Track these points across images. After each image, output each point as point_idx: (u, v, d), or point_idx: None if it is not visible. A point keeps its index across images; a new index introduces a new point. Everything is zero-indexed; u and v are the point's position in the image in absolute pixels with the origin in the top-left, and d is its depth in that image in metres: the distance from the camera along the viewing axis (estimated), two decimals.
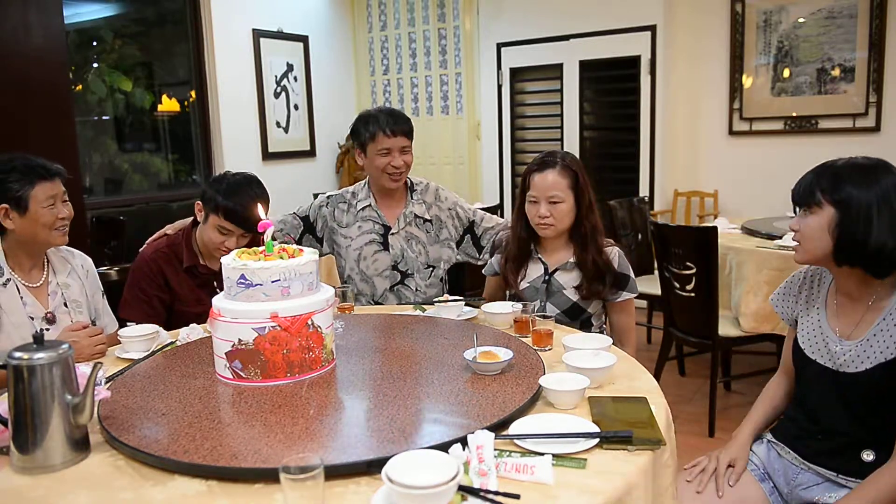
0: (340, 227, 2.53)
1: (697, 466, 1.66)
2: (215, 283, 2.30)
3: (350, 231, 2.51)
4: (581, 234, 2.10)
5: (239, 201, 2.16)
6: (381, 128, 2.38)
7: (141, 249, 2.33)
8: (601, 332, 2.19)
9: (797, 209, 1.55)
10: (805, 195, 1.51)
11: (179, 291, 2.27)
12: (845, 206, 1.44)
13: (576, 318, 2.14)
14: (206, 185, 2.25)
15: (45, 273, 2.01)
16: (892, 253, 1.43)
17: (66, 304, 2.02)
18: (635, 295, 2.14)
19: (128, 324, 2.16)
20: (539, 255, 2.17)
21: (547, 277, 2.15)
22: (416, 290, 2.51)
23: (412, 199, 2.52)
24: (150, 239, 2.36)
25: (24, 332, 1.88)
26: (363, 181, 2.58)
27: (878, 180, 1.44)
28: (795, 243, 1.55)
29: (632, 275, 2.14)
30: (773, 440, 1.68)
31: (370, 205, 2.50)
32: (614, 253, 2.13)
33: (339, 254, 2.56)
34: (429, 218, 2.52)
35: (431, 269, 2.52)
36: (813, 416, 1.59)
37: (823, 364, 1.56)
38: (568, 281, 2.13)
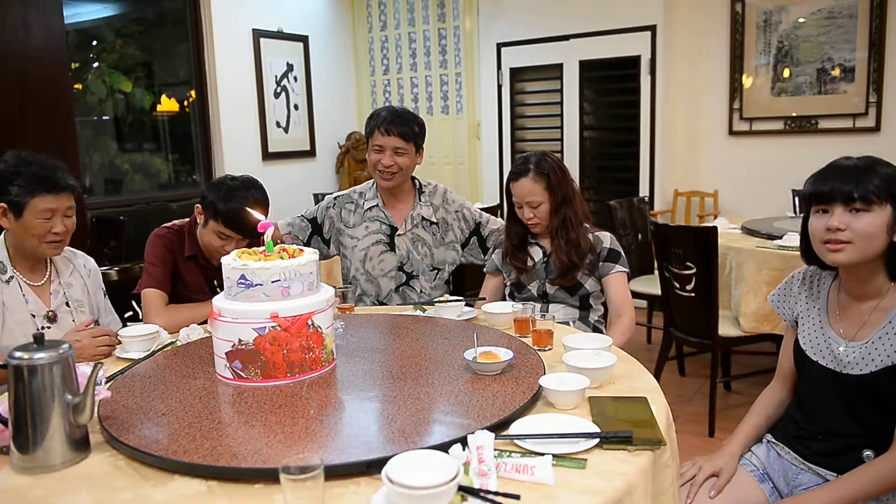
0: (347, 228, 2.53)
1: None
2: (216, 283, 2.31)
3: (357, 231, 2.52)
4: (552, 227, 2.24)
5: (237, 207, 2.13)
6: (378, 124, 2.39)
7: (152, 233, 2.33)
8: (601, 310, 2.34)
9: (805, 208, 1.52)
10: (857, 192, 1.41)
11: (185, 274, 2.28)
12: None
13: (574, 293, 2.26)
14: (206, 189, 2.23)
15: (47, 272, 2.02)
16: None
17: (67, 304, 2.03)
18: (626, 270, 2.26)
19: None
20: (536, 241, 2.32)
21: (546, 259, 2.28)
22: (421, 291, 2.51)
23: (420, 200, 2.52)
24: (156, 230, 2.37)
25: (27, 329, 1.89)
26: (371, 181, 2.58)
27: None
28: (843, 244, 1.44)
29: (623, 253, 2.26)
30: (773, 440, 1.68)
31: (377, 205, 2.51)
32: (606, 235, 2.28)
33: (345, 255, 2.55)
34: (435, 221, 2.52)
35: (437, 271, 2.53)
36: (813, 417, 1.59)
37: (825, 365, 1.55)
38: None
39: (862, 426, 1.50)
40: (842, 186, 1.43)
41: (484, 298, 2.29)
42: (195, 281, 2.28)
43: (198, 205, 2.24)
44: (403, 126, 2.39)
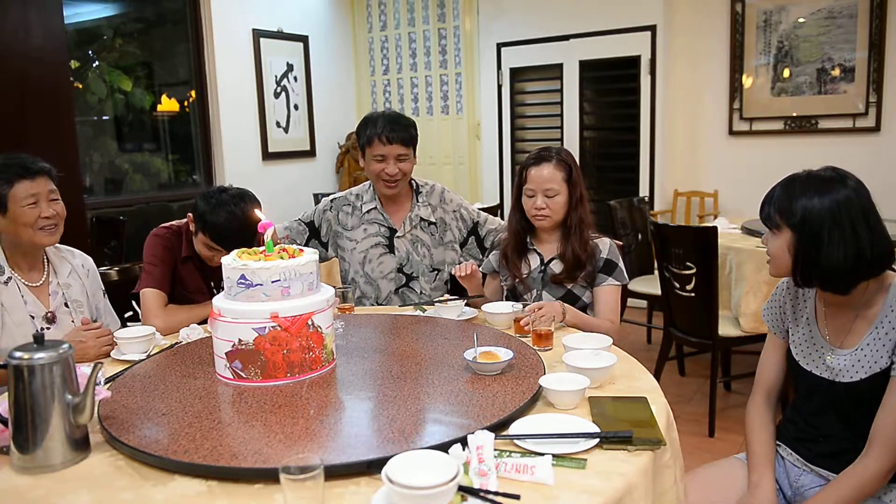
0: (345, 230, 2.52)
1: None
2: (213, 284, 2.31)
3: (355, 234, 2.51)
4: (567, 225, 2.18)
5: (225, 223, 2.09)
6: (377, 134, 2.35)
7: (151, 233, 2.31)
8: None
9: None
10: (766, 218, 1.52)
11: (183, 275, 2.27)
12: (799, 227, 1.45)
13: (571, 305, 2.17)
14: (198, 198, 2.18)
15: (45, 273, 2.01)
16: (845, 272, 1.42)
17: (66, 304, 2.02)
18: (619, 283, 2.17)
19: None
20: (534, 247, 2.25)
21: (543, 268, 2.22)
22: (421, 292, 2.51)
23: (418, 201, 2.51)
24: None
25: (26, 330, 1.89)
26: (367, 182, 2.57)
27: (830, 195, 1.43)
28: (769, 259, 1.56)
29: (621, 264, 2.18)
30: (777, 442, 1.67)
31: (376, 207, 2.50)
32: (605, 242, 2.20)
33: (344, 257, 2.55)
34: (434, 221, 2.52)
35: (436, 271, 2.52)
36: (811, 423, 1.59)
37: (819, 375, 1.55)
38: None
39: (857, 432, 1.49)
40: (760, 208, 1.54)
41: (483, 296, 2.28)
42: (194, 282, 2.28)
43: (190, 213, 2.21)
44: (403, 132, 2.36)
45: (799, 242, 1.45)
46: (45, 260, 2.03)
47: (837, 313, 1.54)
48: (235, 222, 2.08)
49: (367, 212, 2.50)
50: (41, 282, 1.99)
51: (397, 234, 2.49)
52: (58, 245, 2.06)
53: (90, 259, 2.19)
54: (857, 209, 1.42)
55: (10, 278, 1.92)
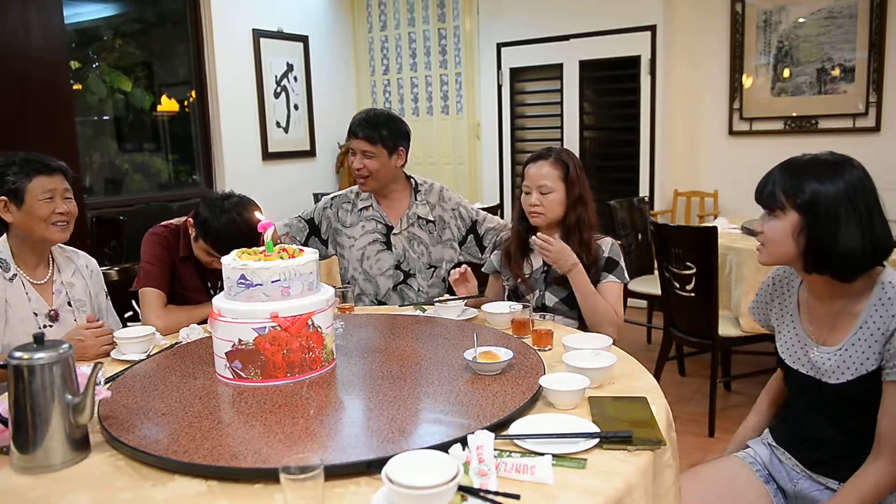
0: (344, 227, 2.54)
1: None
2: (210, 284, 2.31)
3: (354, 231, 2.52)
4: (566, 225, 2.16)
5: (226, 231, 2.08)
6: (351, 126, 2.44)
7: (148, 231, 2.30)
8: None
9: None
10: (768, 198, 1.43)
11: (181, 274, 2.27)
12: (810, 209, 1.37)
13: (574, 306, 2.18)
14: (201, 204, 2.17)
15: (49, 271, 2.03)
16: (861, 258, 1.36)
17: (69, 303, 2.04)
18: (620, 282, 2.15)
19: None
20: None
21: (546, 268, 2.21)
22: (419, 289, 2.52)
23: (416, 199, 2.52)
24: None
25: (29, 328, 1.90)
26: None
27: (843, 177, 1.37)
28: (759, 244, 1.49)
29: (622, 263, 2.17)
30: (774, 444, 1.66)
31: (371, 205, 2.51)
32: (607, 242, 2.19)
33: (343, 254, 2.56)
34: (432, 219, 2.53)
35: (433, 269, 2.53)
36: (800, 424, 1.58)
37: (805, 373, 1.53)
38: None
39: (845, 433, 1.48)
40: (758, 190, 1.47)
41: (480, 295, 2.28)
42: (192, 281, 2.28)
43: (190, 218, 2.21)
44: (370, 129, 2.38)
45: (809, 225, 1.38)
46: (51, 258, 2.05)
47: (821, 308, 1.50)
48: (236, 229, 2.08)
49: (364, 209, 2.52)
50: (45, 280, 2.01)
51: (394, 232, 2.50)
52: (63, 245, 2.09)
53: (94, 261, 2.21)
54: (870, 192, 1.37)
55: (15, 275, 1.94)
